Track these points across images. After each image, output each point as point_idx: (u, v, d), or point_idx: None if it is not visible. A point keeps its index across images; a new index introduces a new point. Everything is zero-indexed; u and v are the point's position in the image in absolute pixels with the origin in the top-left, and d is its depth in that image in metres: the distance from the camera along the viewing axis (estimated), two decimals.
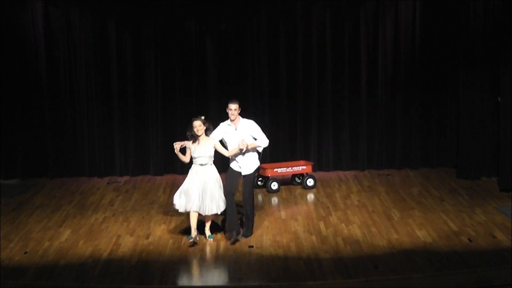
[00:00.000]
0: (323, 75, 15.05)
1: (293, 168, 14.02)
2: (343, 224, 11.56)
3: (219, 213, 10.72)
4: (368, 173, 15.03)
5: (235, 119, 10.72)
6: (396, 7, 14.87)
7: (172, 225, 11.63)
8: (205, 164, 10.62)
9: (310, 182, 13.85)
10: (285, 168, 13.95)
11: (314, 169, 14.51)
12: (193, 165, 10.74)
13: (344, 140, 15.25)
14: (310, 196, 13.44)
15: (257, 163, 10.97)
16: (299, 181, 14.11)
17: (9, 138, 14.68)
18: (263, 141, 10.84)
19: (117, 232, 11.22)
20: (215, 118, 14.90)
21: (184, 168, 14.70)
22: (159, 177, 14.97)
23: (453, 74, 14.86)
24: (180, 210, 10.70)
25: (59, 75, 14.76)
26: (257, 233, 11.18)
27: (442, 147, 15.34)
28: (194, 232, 10.55)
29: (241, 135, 10.70)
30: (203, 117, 10.63)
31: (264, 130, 14.27)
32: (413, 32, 14.94)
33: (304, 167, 14.07)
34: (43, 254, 10.37)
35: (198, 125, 10.52)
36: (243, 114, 14.88)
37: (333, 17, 14.89)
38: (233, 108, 10.68)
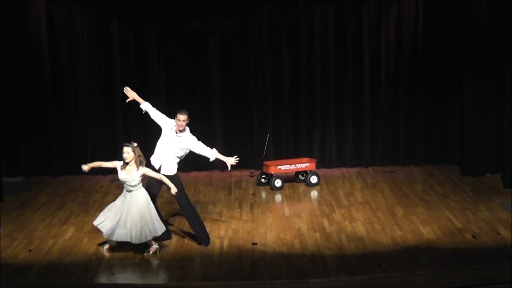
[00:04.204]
0: (326, 72, 15.03)
1: (297, 165, 14.00)
2: (347, 221, 11.56)
3: (146, 241, 10.12)
4: (371, 170, 15.01)
5: (182, 130, 10.49)
6: (399, 4, 14.83)
7: (176, 223, 11.64)
8: (131, 191, 10.05)
9: (313, 179, 13.83)
10: (288, 165, 13.93)
11: (317, 166, 14.49)
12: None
13: (348, 137, 15.22)
14: (314, 193, 13.43)
15: (175, 171, 10.62)
16: (302, 178, 14.09)
17: (12, 136, 14.67)
18: (211, 153, 10.59)
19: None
20: (218, 116, 15.05)
21: (188, 166, 14.78)
22: None
23: (456, 70, 14.81)
24: (108, 237, 10.19)
25: (62, 73, 14.74)
26: (260, 230, 11.20)
27: (446, 144, 15.30)
28: (153, 246, 10.28)
29: (178, 144, 10.54)
30: (135, 144, 10.07)
31: (267, 127, 14.28)
32: (416, 28, 14.90)
33: (308, 164, 14.05)
34: (47, 252, 10.39)
35: (127, 152, 9.93)
36: (247, 112, 15.04)
37: (336, 14, 14.86)
38: (182, 119, 10.45)
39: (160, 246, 10.37)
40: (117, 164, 10.14)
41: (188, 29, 14.83)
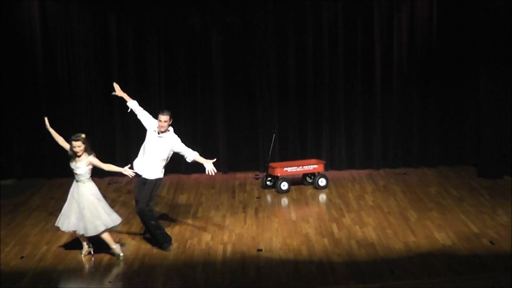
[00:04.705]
0: (334, 70, 15.04)
1: (304, 167, 14.01)
2: (357, 226, 11.56)
3: (97, 233, 10.27)
4: (383, 172, 15.03)
5: (164, 131, 10.57)
6: None
7: (176, 228, 11.64)
8: (79, 181, 10.26)
9: (322, 181, 13.84)
10: (295, 167, 13.95)
11: (326, 168, 14.50)
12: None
13: (358, 137, 15.23)
14: (322, 197, 13.44)
15: (162, 175, 10.73)
16: (310, 180, 14.11)
17: (4, 136, 14.70)
18: (191, 153, 10.63)
19: (119, 235, 11.19)
20: (221, 116, 15.06)
21: (189, 168, 14.79)
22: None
23: (473, 67, 14.81)
24: (61, 229, 10.42)
25: (56, 71, 14.75)
26: (266, 235, 11.20)
27: (461, 144, 15.30)
28: (85, 247, 10.49)
29: (160, 146, 10.61)
30: (83, 135, 10.26)
31: (273, 127, 14.28)
32: (430, 23, 14.91)
33: (316, 166, 14.06)
34: (40, 259, 10.39)
35: (77, 146, 10.15)
36: (251, 112, 15.05)
37: (345, 9, 14.86)
38: (163, 119, 10.51)
39: (89, 251, 10.45)
40: (68, 148, 10.36)
41: (190, 25, 14.83)
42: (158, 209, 12.69)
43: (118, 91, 11.11)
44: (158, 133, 10.57)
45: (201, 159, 10.57)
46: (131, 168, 10.29)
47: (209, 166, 10.45)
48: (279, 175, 13.75)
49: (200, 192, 13.89)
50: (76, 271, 10.01)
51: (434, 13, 14.85)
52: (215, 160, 10.55)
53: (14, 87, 14.66)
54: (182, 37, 14.84)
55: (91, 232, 10.23)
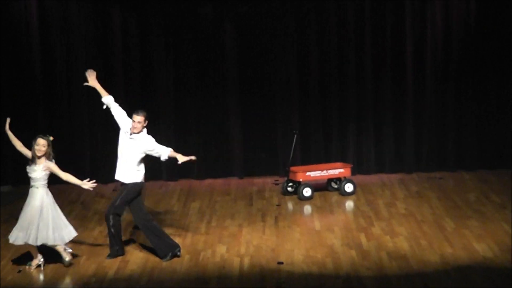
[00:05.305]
0: (362, 64, 15.07)
1: (329, 171, 13.99)
2: (388, 236, 11.54)
3: (48, 244, 10.39)
4: (416, 177, 15.04)
5: (138, 132, 10.69)
6: None
7: (188, 239, 11.63)
8: (32, 186, 10.46)
9: (348, 187, 13.82)
10: (319, 172, 13.93)
11: (353, 173, 14.46)
12: None
13: (388, 138, 15.25)
14: (349, 204, 13.44)
15: (138, 179, 10.81)
16: (335, 186, 14.10)
17: (6, 141, 14.71)
18: (164, 151, 10.72)
19: (125, 246, 11.16)
20: (236, 116, 15.02)
21: (202, 173, 14.78)
22: (172, 183, 15.05)
23: None
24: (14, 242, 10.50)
25: (55, 71, 14.83)
26: (287, 247, 11.18)
27: (502, 146, 15.26)
28: (35, 260, 10.53)
29: (132, 147, 10.72)
30: (51, 138, 10.45)
31: (294, 128, 14.27)
32: (467, 16, 14.92)
33: (342, 170, 14.05)
34: (39, 273, 10.38)
35: (42, 145, 10.34)
36: (269, 111, 15.02)
37: None
38: (137, 120, 10.67)
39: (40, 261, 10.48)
40: (28, 154, 10.50)
41: (201, 16, 14.85)
42: (169, 218, 12.64)
43: (92, 81, 11.16)
44: (130, 134, 10.73)
45: (175, 154, 10.71)
46: (93, 180, 10.39)
47: (182, 158, 10.60)
48: (301, 180, 13.72)
49: (214, 199, 13.89)
50: (79, 285, 9.98)
51: (471, 5, 14.83)
52: (194, 158, 10.66)
53: (9, 88, 14.72)
54: (192, 30, 14.91)
55: (38, 242, 10.30)
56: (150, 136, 10.78)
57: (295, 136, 14.14)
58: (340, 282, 9.86)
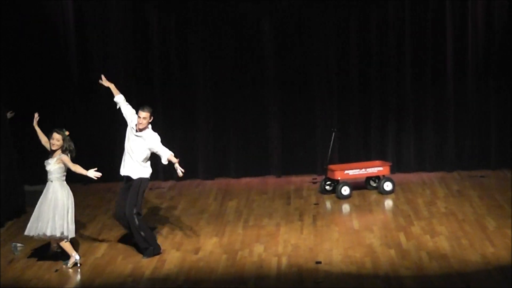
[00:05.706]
0: (401, 60, 15.00)
1: (367, 169, 13.94)
2: (428, 236, 11.47)
3: (57, 235, 10.50)
4: (457, 175, 14.94)
5: (143, 128, 10.84)
6: None
7: (225, 238, 11.64)
8: (48, 180, 10.67)
9: (387, 186, 13.76)
10: (358, 170, 13.88)
11: (392, 171, 14.39)
12: None
13: (428, 136, 15.15)
14: (388, 203, 13.39)
15: (145, 175, 10.94)
16: (374, 184, 14.03)
17: (34, 138, 14.77)
18: (165, 154, 10.75)
19: (161, 246, 11.19)
20: (274, 113, 14.99)
21: (239, 171, 14.76)
22: (209, 182, 15.05)
23: None
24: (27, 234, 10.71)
25: (91, 67, 14.85)
26: (325, 246, 11.15)
27: None
28: (71, 258, 10.61)
29: (138, 144, 10.86)
30: (67, 133, 10.61)
31: (332, 125, 14.24)
32: (508, 10, 14.75)
33: (381, 168, 13.98)
34: (76, 272, 10.44)
35: (56, 139, 10.53)
36: (308, 108, 14.97)
37: None
38: (142, 116, 10.82)
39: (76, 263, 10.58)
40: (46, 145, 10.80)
41: (239, 12, 14.85)
42: (206, 217, 12.65)
43: (105, 81, 11.42)
44: (136, 131, 10.86)
45: (173, 159, 10.75)
46: (98, 170, 10.45)
47: (177, 167, 10.68)
48: (339, 178, 13.68)
49: (251, 198, 13.88)
50: (116, 285, 10.01)
51: None
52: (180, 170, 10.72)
53: (44, 86, 14.81)
54: (230, 25, 14.90)
55: (53, 232, 10.43)
56: (156, 134, 10.93)
57: (334, 134, 14.10)
58: (379, 282, 9.82)
